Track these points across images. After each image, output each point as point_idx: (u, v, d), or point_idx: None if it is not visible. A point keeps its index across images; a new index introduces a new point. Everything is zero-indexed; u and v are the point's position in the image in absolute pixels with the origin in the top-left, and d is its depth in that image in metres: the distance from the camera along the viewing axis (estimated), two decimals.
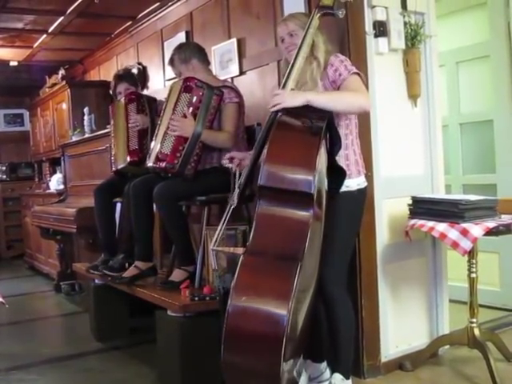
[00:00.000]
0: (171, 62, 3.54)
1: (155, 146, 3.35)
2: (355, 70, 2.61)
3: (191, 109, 3.25)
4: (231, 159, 2.82)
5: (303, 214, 2.15)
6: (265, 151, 2.27)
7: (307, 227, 2.13)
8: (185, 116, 3.25)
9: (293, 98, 2.40)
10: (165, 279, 3.39)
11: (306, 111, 2.35)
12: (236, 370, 2.08)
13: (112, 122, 4.08)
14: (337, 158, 2.50)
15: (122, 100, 3.92)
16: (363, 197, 2.74)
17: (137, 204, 3.44)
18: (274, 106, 2.40)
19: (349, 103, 2.50)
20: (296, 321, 2.12)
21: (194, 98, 3.26)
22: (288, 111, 2.36)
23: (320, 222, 2.35)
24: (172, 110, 3.29)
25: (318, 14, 2.57)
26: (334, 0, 2.58)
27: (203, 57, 3.51)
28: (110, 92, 4.44)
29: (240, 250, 2.22)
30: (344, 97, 2.52)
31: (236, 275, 2.07)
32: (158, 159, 3.27)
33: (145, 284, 3.46)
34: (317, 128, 2.23)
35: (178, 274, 3.32)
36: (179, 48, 3.57)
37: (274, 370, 1.98)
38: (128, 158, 3.75)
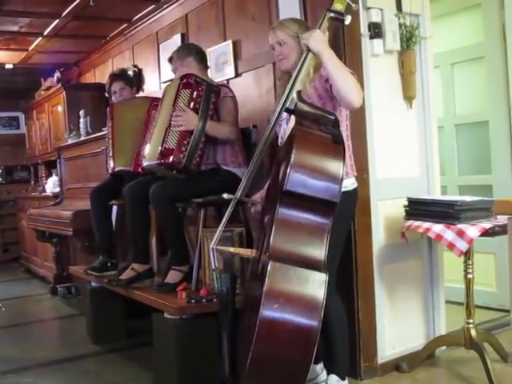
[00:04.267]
0: (170, 58, 3.61)
1: (152, 144, 3.34)
2: (348, 70, 2.60)
3: (192, 103, 3.24)
4: (253, 204, 2.86)
5: (324, 221, 2.14)
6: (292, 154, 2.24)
7: (327, 234, 2.13)
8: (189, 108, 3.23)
9: (318, 43, 2.43)
10: (161, 282, 3.39)
11: (316, 116, 2.32)
12: (262, 377, 2.06)
13: (110, 124, 4.01)
14: None
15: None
16: (350, 199, 2.71)
17: (133, 206, 3.44)
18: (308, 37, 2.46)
19: (348, 87, 2.42)
20: None
21: (195, 93, 3.25)
22: (300, 115, 2.33)
23: None
24: (172, 107, 3.27)
25: (328, 16, 2.54)
26: (346, 6, 2.55)
27: (200, 58, 3.54)
28: (106, 94, 4.44)
29: (244, 251, 2.20)
30: (349, 78, 2.46)
31: (266, 281, 2.03)
32: (162, 155, 3.20)
33: (141, 286, 3.45)
34: (337, 136, 2.21)
35: (173, 276, 3.32)
36: (180, 46, 3.72)
37: (301, 377, 1.99)
38: (134, 168, 3.70)
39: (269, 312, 1.99)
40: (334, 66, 2.44)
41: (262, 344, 1.98)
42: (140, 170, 3.65)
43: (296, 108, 2.37)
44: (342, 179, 2.14)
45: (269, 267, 2.04)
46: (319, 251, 2.11)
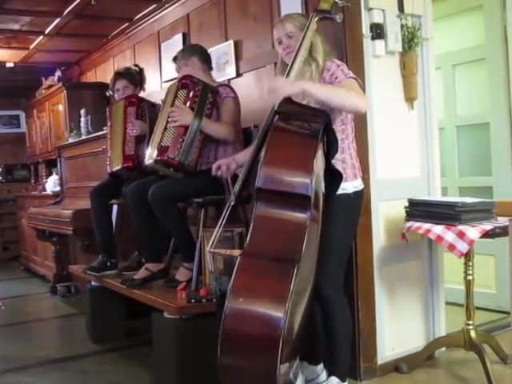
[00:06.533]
0: (175, 57, 3.63)
1: (152, 144, 3.36)
2: (352, 75, 2.60)
3: (189, 103, 3.31)
4: (218, 167, 2.98)
5: (300, 216, 2.15)
6: (262, 153, 2.27)
7: (304, 229, 2.13)
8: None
9: (292, 86, 2.41)
10: (170, 278, 3.39)
11: (303, 114, 2.34)
12: (232, 372, 2.07)
13: (109, 124, 4.08)
14: (333, 161, 2.50)
15: (122, 102, 3.92)
16: (360, 199, 2.74)
17: (135, 208, 3.44)
18: (273, 91, 2.40)
19: (344, 100, 2.44)
20: (292, 323, 2.12)
21: (191, 93, 3.31)
22: (286, 114, 2.35)
23: (317, 225, 2.35)
24: (170, 109, 3.32)
25: (316, 18, 2.55)
26: (332, 4, 2.57)
27: (204, 58, 3.55)
28: (107, 93, 4.45)
29: (237, 252, 2.21)
30: (339, 92, 2.47)
31: (233, 276, 2.06)
32: (158, 152, 3.26)
33: (147, 285, 3.45)
34: (314, 131, 2.23)
35: (183, 273, 3.32)
36: (185, 46, 3.83)
37: (270, 372, 1.97)
38: (123, 163, 3.75)
39: (233, 306, 2.00)
40: (324, 93, 2.44)
41: (228, 340, 1.99)
42: (130, 164, 3.72)
43: (282, 109, 2.37)
44: (312, 172, 2.14)
45: (237, 262, 2.08)
46: (295, 244, 2.11)
